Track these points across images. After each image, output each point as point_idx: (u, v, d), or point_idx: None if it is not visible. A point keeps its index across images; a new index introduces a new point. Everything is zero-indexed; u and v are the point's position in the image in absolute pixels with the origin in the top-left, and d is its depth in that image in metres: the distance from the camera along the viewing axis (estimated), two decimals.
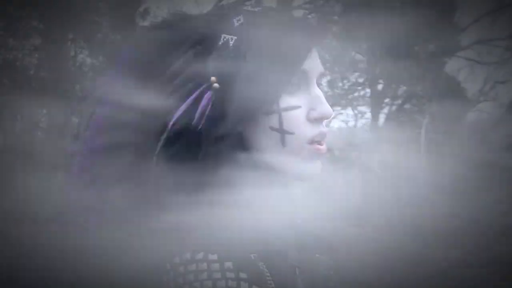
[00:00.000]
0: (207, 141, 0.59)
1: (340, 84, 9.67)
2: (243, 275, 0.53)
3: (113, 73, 0.66)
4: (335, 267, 0.74)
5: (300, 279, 0.61)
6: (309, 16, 7.84)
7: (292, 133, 0.61)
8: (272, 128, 0.61)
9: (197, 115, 0.58)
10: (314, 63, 0.64)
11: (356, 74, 9.62)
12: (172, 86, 0.60)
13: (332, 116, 0.66)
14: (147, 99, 0.60)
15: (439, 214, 4.80)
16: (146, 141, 0.59)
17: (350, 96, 9.71)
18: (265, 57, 0.60)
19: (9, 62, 6.67)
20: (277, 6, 7.62)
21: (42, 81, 6.22)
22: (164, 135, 0.58)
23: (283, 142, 0.61)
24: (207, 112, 0.58)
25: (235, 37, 0.61)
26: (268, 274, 0.58)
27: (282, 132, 0.61)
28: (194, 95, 0.59)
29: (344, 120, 10.04)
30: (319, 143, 0.63)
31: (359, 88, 9.77)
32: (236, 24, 0.62)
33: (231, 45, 0.61)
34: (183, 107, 0.59)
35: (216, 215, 0.60)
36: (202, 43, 0.61)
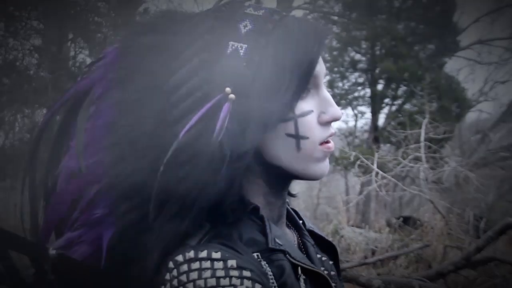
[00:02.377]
0: (231, 156, 0.55)
1: (340, 84, 9.66)
2: (246, 273, 0.53)
3: (113, 80, 0.62)
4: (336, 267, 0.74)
5: (302, 278, 0.61)
6: (309, 17, 7.82)
7: (307, 138, 0.62)
8: (288, 135, 0.61)
9: (217, 127, 0.55)
10: (321, 66, 0.63)
11: (356, 74, 9.60)
12: (177, 95, 0.57)
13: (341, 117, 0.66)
14: (151, 107, 0.57)
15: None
16: (152, 151, 0.56)
17: (350, 96, 9.69)
18: (280, 66, 0.58)
19: (9, 62, 6.66)
20: (277, 6, 7.62)
21: (42, 81, 6.21)
22: (174, 146, 0.54)
23: (298, 147, 0.61)
24: (225, 125, 0.55)
25: (245, 45, 0.58)
26: (271, 273, 0.58)
27: (298, 138, 0.61)
28: (208, 106, 0.56)
29: (344, 120, 10.03)
30: (328, 142, 0.64)
31: (359, 88, 9.76)
32: (243, 30, 0.60)
33: (241, 53, 0.58)
34: (195, 118, 0.55)
35: None
36: (208, 50, 0.59)
